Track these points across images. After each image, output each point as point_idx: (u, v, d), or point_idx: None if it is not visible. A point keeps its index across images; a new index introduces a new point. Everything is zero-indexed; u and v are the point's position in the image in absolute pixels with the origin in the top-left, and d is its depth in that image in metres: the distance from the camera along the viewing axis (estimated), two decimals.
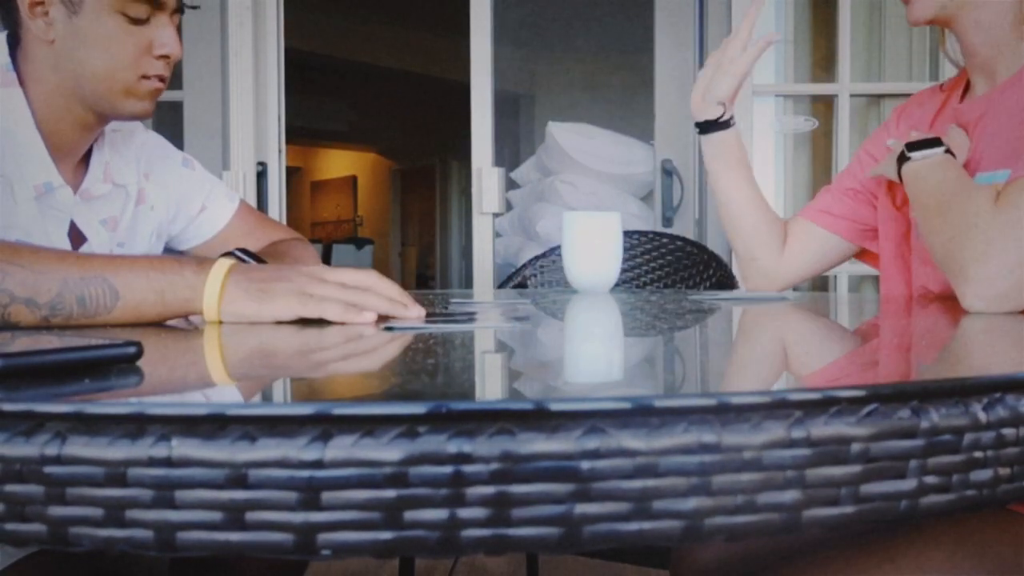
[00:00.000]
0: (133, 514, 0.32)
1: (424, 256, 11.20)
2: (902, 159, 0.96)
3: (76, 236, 1.00)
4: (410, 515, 0.31)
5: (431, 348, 0.53)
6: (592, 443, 0.32)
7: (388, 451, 0.31)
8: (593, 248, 1.22)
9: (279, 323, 0.67)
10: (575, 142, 2.61)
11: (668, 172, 2.25)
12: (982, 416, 0.36)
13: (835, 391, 0.35)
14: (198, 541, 0.32)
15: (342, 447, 0.31)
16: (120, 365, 0.44)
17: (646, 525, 0.32)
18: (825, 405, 0.34)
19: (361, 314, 0.68)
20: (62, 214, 0.98)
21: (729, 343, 0.71)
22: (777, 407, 0.34)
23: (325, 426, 0.31)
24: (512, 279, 1.72)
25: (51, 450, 0.32)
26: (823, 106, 2.44)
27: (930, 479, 0.36)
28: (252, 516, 0.32)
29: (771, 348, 0.65)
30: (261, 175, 2.24)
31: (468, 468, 0.31)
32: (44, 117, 0.95)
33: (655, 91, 2.27)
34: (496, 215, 2.36)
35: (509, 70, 3.75)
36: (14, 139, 0.93)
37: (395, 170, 11.53)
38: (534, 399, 0.34)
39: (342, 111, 9.44)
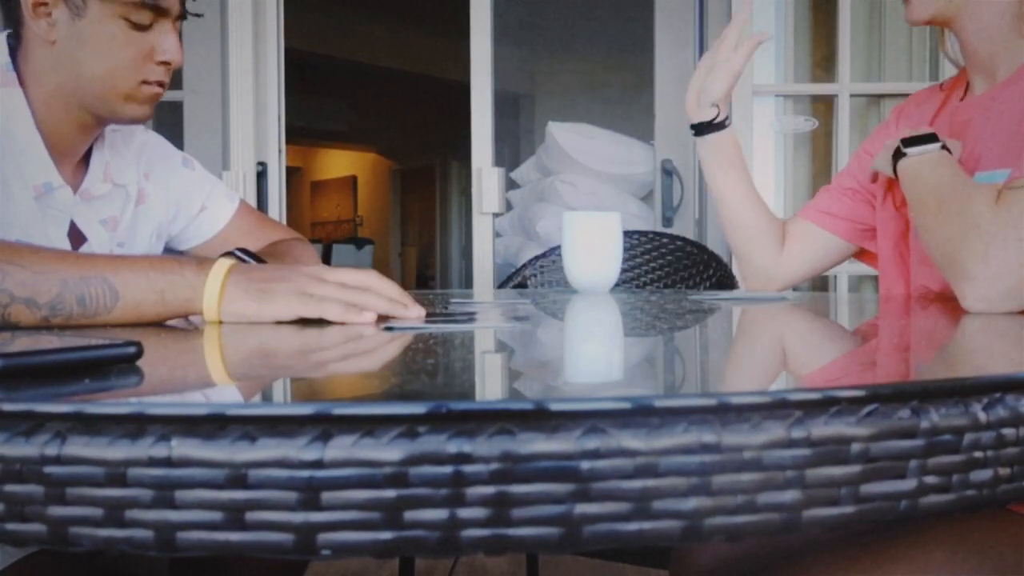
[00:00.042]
0: (133, 514, 0.32)
1: (424, 256, 11.20)
2: (898, 155, 0.96)
3: (76, 236, 1.00)
4: (410, 515, 0.31)
5: (431, 348, 0.53)
6: (592, 443, 0.32)
7: (388, 451, 0.31)
8: (593, 248, 1.22)
9: (279, 323, 0.67)
10: (575, 142, 2.61)
11: (668, 172, 2.25)
12: (982, 416, 0.36)
13: (835, 391, 0.35)
14: (198, 541, 0.32)
15: (342, 447, 0.31)
16: (120, 365, 0.44)
17: (646, 525, 0.32)
18: (825, 405, 0.34)
19: (361, 314, 0.68)
20: (62, 214, 0.98)
21: (729, 343, 0.71)
22: (777, 407, 0.34)
23: (325, 426, 0.31)
24: (512, 279, 1.72)
25: (51, 450, 0.32)
26: (823, 106, 2.44)
27: (930, 479, 0.36)
28: (252, 516, 0.32)
29: (771, 348, 0.65)
30: (261, 175, 2.24)
31: (468, 468, 0.31)
32: (44, 117, 0.95)
33: (655, 91, 2.27)
34: (496, 215, 2.36)
35: (509, 70, 3.75)
36: (14, 139, 0.93)
37: (395, 170, 11.53)
38: (534, 399, 0.34)
39: (342, 111, 9.44)
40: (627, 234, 1.51)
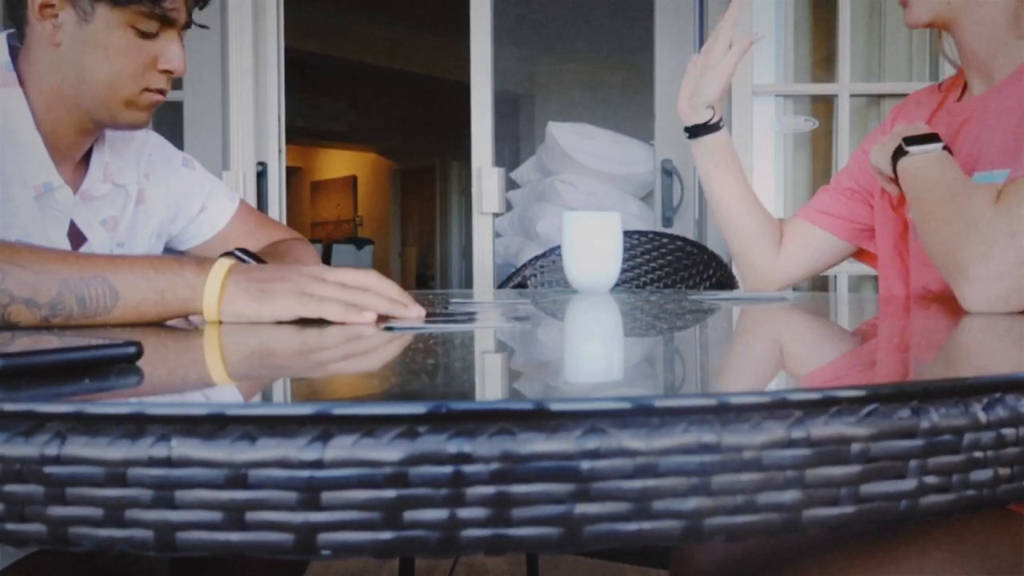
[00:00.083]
0: (133, 514, 0.32)
1: (424, 256, 11.20)
2: (899, 153, 0.95)
3: (76, 236, 1.00)
4: (410, 515, 0.31)
5: (431, 348, 0.53)
6: (592, 443, 0.32)
7: (388, 451, 0.31)
8: (593, 248, 1.22)
9: (279, 323, 0.67)
10: (575, 142, 2.61)
11: (668, 172, 2.25)
12: (982, 416, 0.36)
13: (835, 391, 0.35)
14: (198, 541, 0.32)
15: (342, 447, 0.31)
16: (120, 365, 0.44)
17: (646, 525, 0.32)
18: (825, 405, 0.34)
19: (361, 314, 0.68)
20: (62, 214, 0.98)
21: (729, 343, 0.71)
22: (777, 407, 0.34)
23: (325, 426, 0.31)
24: (512, 279, 1.72)
25: (51, 450, 0.32)
26: (823, 106, 2.44)
27: (930, 479, 0.36)
28: (252, 516, 0.32)
29: (771, 348, 0.65)
30: (261, 175, 2.24)
31: (468, 468, 0.31)
32: (44, 118, 0.95)
33: (655, 91, 2.27)
34: (496, 215, 2.36)
35: (509, 70, 3.75)
36: (14, 139, 0.93)
37: (395, 170, 11.53)
38: (534, 399, 0.34)
39: (342, 111, 9.44)
40: (627, 234, 1.51)
